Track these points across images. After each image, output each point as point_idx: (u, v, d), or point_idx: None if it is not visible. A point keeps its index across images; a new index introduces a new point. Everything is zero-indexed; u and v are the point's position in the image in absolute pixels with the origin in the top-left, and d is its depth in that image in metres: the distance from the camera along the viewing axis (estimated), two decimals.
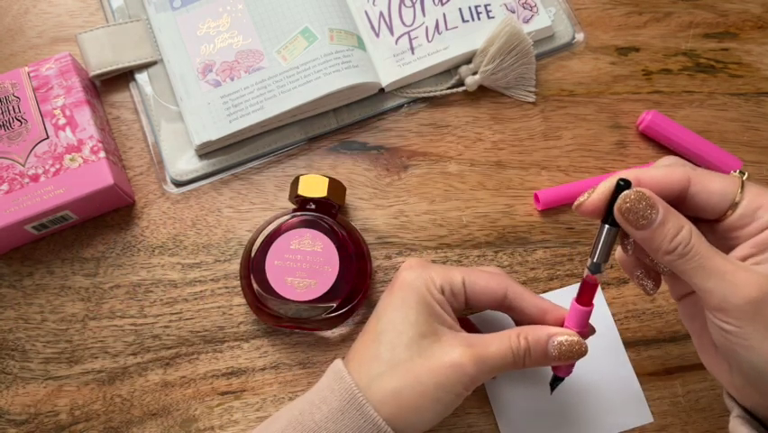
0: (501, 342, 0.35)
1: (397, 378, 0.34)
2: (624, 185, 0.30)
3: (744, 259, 0.30)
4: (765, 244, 0.30)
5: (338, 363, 0.36)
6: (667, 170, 0.32)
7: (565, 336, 0.35)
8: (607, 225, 0.32)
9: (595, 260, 0.33)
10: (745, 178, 0.32)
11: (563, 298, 0.45)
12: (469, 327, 0.42)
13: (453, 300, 0.37)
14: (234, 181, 0.48)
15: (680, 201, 0.31)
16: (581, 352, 0.35)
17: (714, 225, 0.32)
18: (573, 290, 0.45)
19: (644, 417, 0.42)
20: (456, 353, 0.34)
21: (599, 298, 0.45)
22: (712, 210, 0.31)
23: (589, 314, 0.36)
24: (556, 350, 0.35)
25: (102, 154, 0.44)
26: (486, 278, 0.38)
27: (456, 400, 0.35)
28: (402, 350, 0.35)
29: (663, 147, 0.49)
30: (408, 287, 0.36)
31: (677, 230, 0.30)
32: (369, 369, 0.35)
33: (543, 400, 0.42)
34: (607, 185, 0.31)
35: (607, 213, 0.32)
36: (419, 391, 0.34)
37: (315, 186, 0.43)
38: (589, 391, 0.43)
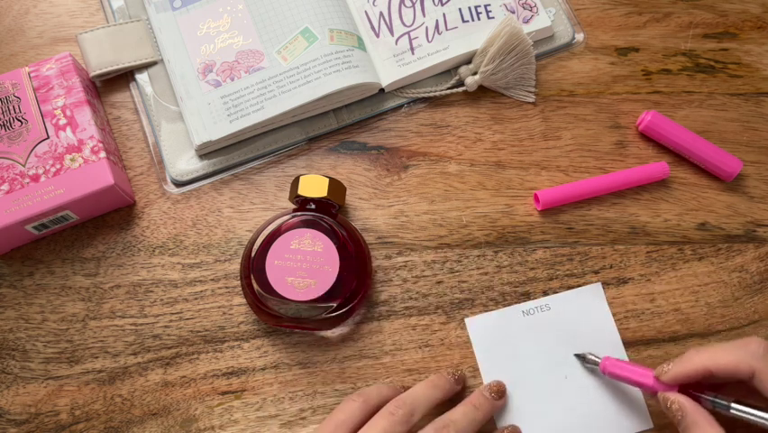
0: None
1: None
2: None
3: None
4: None
5: None
6: (688, 365, 0.36)
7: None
8: (734, 406, 0.35)
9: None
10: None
11: (563, 298, 0.45)
12: None
13: None
14: (235, 181, 0.48)
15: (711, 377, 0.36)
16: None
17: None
18: (573, 291, 0.45)
19: (644, 422, 0.42)
20: None
21: (600, 298, 0.45)
22: (737, 380, 0.35)
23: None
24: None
25: (102, 154, 0.44)
26: None
27: None
28: None
29: (663, 147, 0.49)
30: None
31: None
32: None
33: (542, 405, 0.42)
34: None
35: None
36: None
37: (315, 186, 0.43)
38: (589, 394, 0.43)
